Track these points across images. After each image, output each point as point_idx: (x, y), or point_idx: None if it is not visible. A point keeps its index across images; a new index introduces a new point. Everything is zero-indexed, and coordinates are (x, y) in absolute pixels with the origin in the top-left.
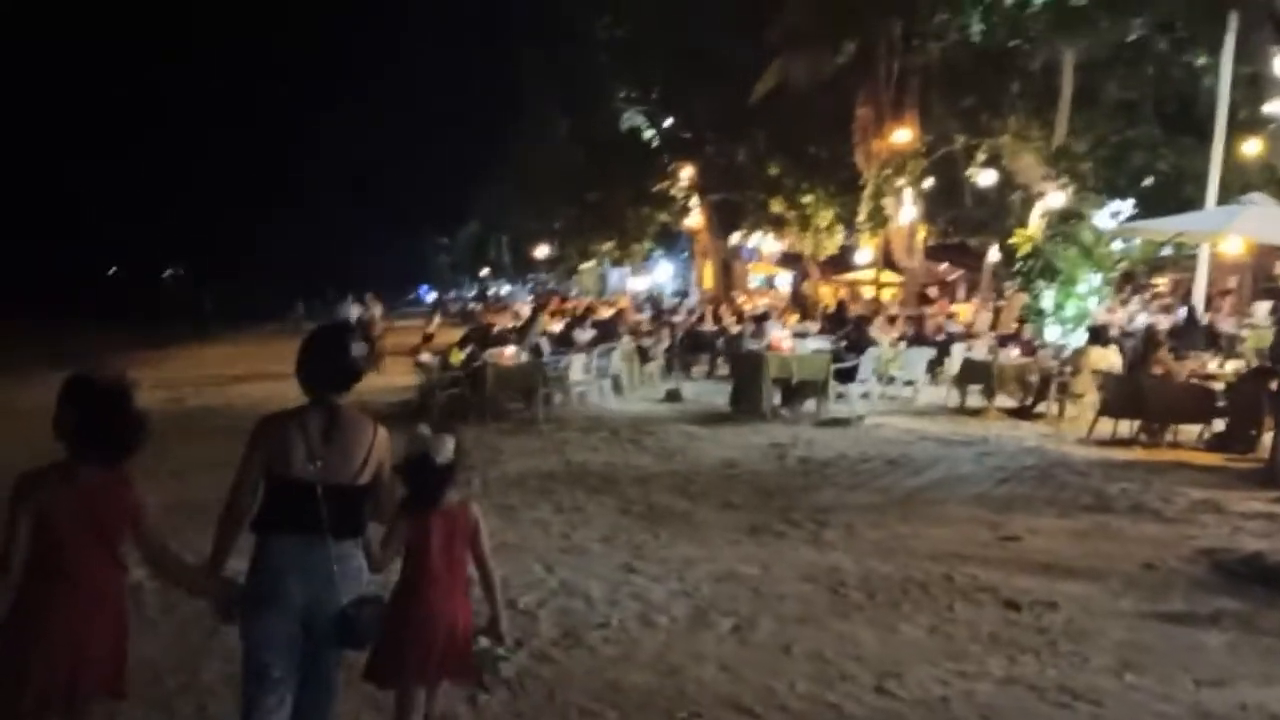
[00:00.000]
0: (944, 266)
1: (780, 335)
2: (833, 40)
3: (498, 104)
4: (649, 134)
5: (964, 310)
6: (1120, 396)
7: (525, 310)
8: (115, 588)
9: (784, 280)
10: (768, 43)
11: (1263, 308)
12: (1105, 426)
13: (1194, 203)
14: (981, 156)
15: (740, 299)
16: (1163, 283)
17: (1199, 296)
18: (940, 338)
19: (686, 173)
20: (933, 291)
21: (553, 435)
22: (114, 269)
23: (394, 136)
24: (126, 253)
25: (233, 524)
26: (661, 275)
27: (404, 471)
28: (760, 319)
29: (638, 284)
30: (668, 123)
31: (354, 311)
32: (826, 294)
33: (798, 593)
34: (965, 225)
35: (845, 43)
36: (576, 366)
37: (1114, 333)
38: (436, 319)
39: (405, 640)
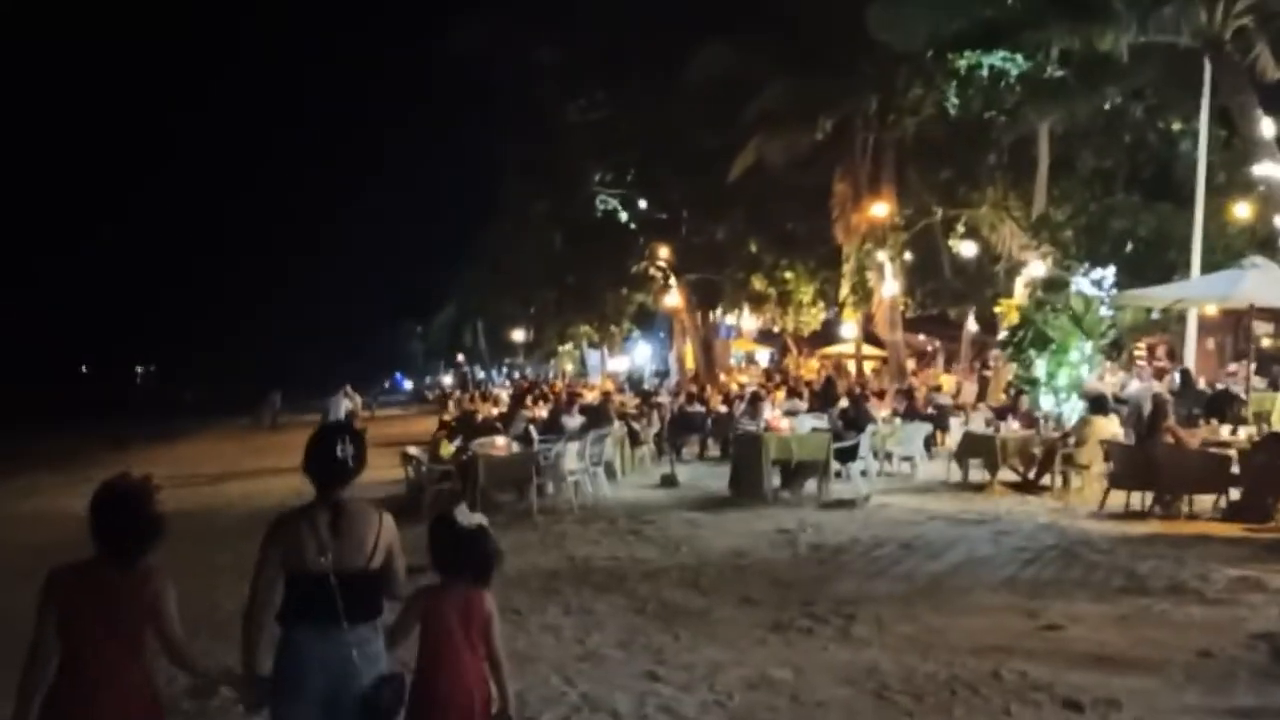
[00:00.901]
0: (921, 338)
1: (776, 415)
2: (808, 121)
3: (473, 190)
4: (625, 216)
5: (946, 381)
6: (1131, 467)
7: (504, 396)
8: (137, 681)
9: (763, 357)
10: (743, 124)
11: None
12: (1116, 498)
13: (1177, 267)
14: (961, 229)
15: (724, 377)
16: (1142, 348)
17: (1190, 360)
18: (930, 410)
19: (664, 253)
20: (910, 363)
21: (550, 528)
22: (84, 367)
23: (368, 224)
24: (98, 351)
25: (259, 621)
26: (640, 356)
27: (461, 547)
28: (755, 399)
29: (616, 365)
30: (644, 204)
31: (345, 404)
32: (810, 369)
33: (839, 698)
34: (944, 296)
35: (822, 120)
36: (570, 455)
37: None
38: (451, 405)
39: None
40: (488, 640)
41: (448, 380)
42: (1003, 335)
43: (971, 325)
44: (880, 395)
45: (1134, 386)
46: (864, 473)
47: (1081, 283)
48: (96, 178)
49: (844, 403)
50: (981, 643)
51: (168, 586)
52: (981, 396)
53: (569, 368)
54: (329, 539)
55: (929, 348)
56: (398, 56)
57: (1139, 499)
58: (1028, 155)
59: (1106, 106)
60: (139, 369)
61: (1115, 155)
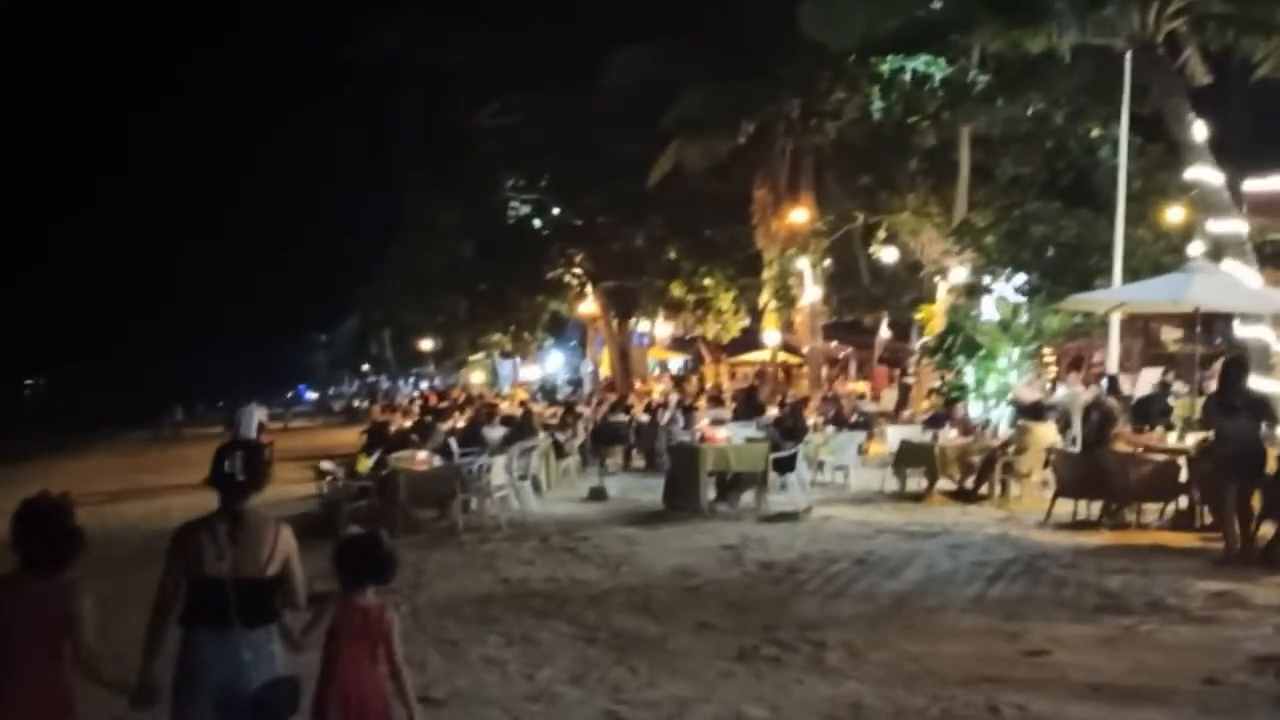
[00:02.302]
0: (834, 344)
1: (707, 424)
2: (728, 126)
3: (381, 197)
4: (539, 222)
5: (861, 387)
6: (1079, 476)
7: (412, 406)
8: (59, 688)
9: (677, 365)
10: (662, 129)
11: (1152, 374)
12: (1061, 507)
13: (1098, 273)
14: (882, 235)
15: (640, 385)
16: (1050, 354)
17: (1112, 366)
18: (856, 418)
19: (580, 259)
20: (823, 370)
21: (477, 547)
22: None
23: (270, 232)
24: None
25: (160, 623)
26: (552, 364)
27: (356, 554)
28: (688, 409)
29: (529, 374)
30: (557, 210)
31: (257, 415)
32: (742, 376)
33: None
34: (861, 303)
35: (743, 124)
36: (498, 469)
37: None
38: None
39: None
40: (389, 650)
41: (352, 389)
42: (923, 341)
43: (884, 332)
44: (804, 403)
45: (1061, 392)
46: (800, 483)
47: (1004, 289)
48: None
49: (774, 411)
50: (968, 672)
51: (86, 599)
52: (903, 404)
53: (480, 378)
54: (227, 546)
55: (841, 354)
56: (301, 60)
57: (1085, 508)
58: (948, 160)
59: (1029, 112)
60: (28, 381)
61: (1034, 161)
